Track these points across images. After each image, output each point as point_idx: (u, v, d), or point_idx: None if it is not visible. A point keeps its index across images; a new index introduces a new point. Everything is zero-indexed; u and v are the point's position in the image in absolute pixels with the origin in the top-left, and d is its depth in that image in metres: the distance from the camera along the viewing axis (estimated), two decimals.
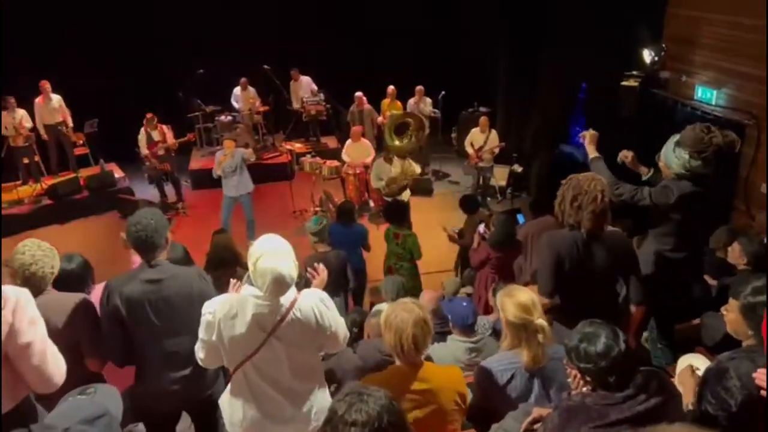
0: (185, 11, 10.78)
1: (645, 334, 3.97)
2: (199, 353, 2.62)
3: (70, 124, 10.08)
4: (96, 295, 3.01)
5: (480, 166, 9.37)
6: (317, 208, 9.14)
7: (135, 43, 10.74)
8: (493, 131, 9.41)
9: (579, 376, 2.13)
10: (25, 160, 9.86)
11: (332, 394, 2.87)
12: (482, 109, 10.95)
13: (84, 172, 10.31)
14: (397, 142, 8.42)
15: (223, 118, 11.09)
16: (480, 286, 5.24)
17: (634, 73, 7.50)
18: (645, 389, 2.01)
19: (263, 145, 11.44)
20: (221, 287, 3.04)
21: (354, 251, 5.75)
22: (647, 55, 7.37)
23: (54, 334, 2.14)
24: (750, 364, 2.07)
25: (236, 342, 2.48)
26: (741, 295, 2.21)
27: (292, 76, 11.36)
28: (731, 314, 2.28)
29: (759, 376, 2.00)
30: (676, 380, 2.49)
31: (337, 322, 2.65)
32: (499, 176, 9.88)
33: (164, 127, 9.33)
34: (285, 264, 2.44)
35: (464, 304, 3.54)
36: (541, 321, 2.58)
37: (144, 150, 9.18)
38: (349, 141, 9.39)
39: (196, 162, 11.03)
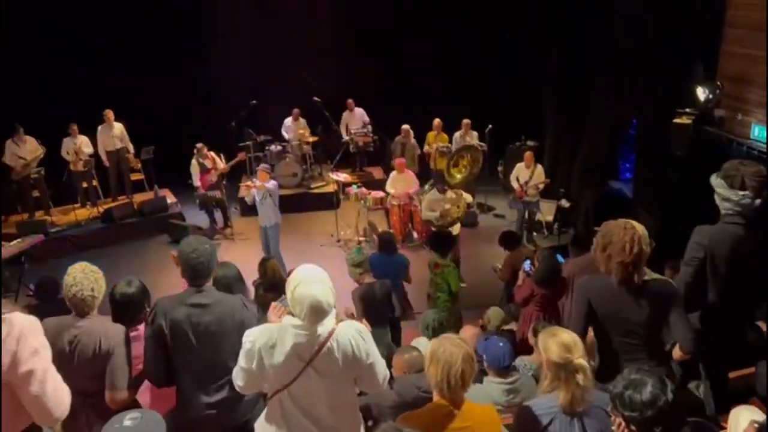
0: (241, 44, 11.21)
1: (695, 383, 3.81)
2: (237, 380, 2.64)
3: (131, 150, 10.54)
4: None
5: (526, 200, 9.29)
6: (361, 238, 9.21)
7: (192, 73, 11.23)
8: (539, 166, 9.33)
9: (624, 424, 2.06)
10: (84, 185, 10.35)
11: (368, 431, 2.84)
12: (529, 142, 10.90)
13: (138, 197, 10.71)
14: (457, 175, 8.48)
15: (273, 147, 11.39)
16: (524, 324, 5.14)
17: (687, 110, 7.34)
18: None
19: (311, 175, 11.67)
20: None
21: (395, 282, 5.75)
22: (701, 93, 7.21)
23: (85, 362, 2.14)
24: None
25: (275, 370, 2.50)
26: None
27: (347, 105, 11.58)
28: None
29: None
30: None
31: (374, 356, 2.64)
32: (546, 211, 9.75)
33: (213, 154, 9.65)
34: (322, 291, 2.47)
35: (500, 344, 3.47)
36: (581, 361, 2.51)
37: (197, 181, 9.50)
38: (393, 172, 9.49)
39: (244, 190, 11.29)
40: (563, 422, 2.52)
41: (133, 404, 3.02)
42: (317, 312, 2.45)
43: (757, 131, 6.68)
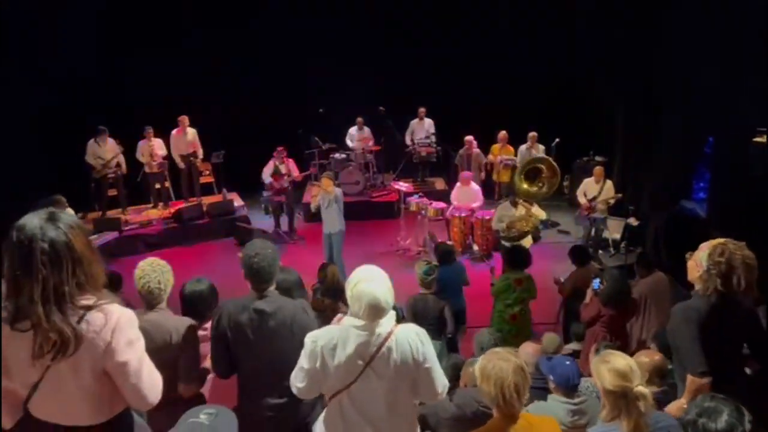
0: (310, 53, 11.44)
1: None
2: (297, 382, 2.65)
3: (201, 155, 10.94)
4: None
5: (593, 217, 9.02)
6: (421, 248, 9.19)
7: (261, 81, 11.55)
8: (609, 182, 9.06)
9: None
10: (157, 186, 10.80)
11: None
12: (598, 158, 10.61)
13: (207, 200, 11.08)
14: (525, 186, 8.35)
15: (337, 155, 11.56)
16: (589, 344, 4.99)
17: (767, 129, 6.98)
18: None
19: (373, 183, 11.75)
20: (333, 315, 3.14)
21: (459, 291, 5.90)
22: None
23: (152, 352, 2.23)
24: None
25: (337, 371, 2.53)
26: None
27: (418, 114, 11.57)
28: None
29: None
30: None
31: (432, 361, 2.62)
32: (614, 229, 9.43)
33: (291, 161, 9.87)
34: (381, 289, 2.50)
35: (567, 363, 3.35)
36: (641, 388, 2.37)
37: (267, 178, 9.73)
38: (458, 184, 9.45)
39: (309, 196, 11.50)
40: None
41: (198, 397, 3.11)
42: (375, 309, 2.48)
43: None
